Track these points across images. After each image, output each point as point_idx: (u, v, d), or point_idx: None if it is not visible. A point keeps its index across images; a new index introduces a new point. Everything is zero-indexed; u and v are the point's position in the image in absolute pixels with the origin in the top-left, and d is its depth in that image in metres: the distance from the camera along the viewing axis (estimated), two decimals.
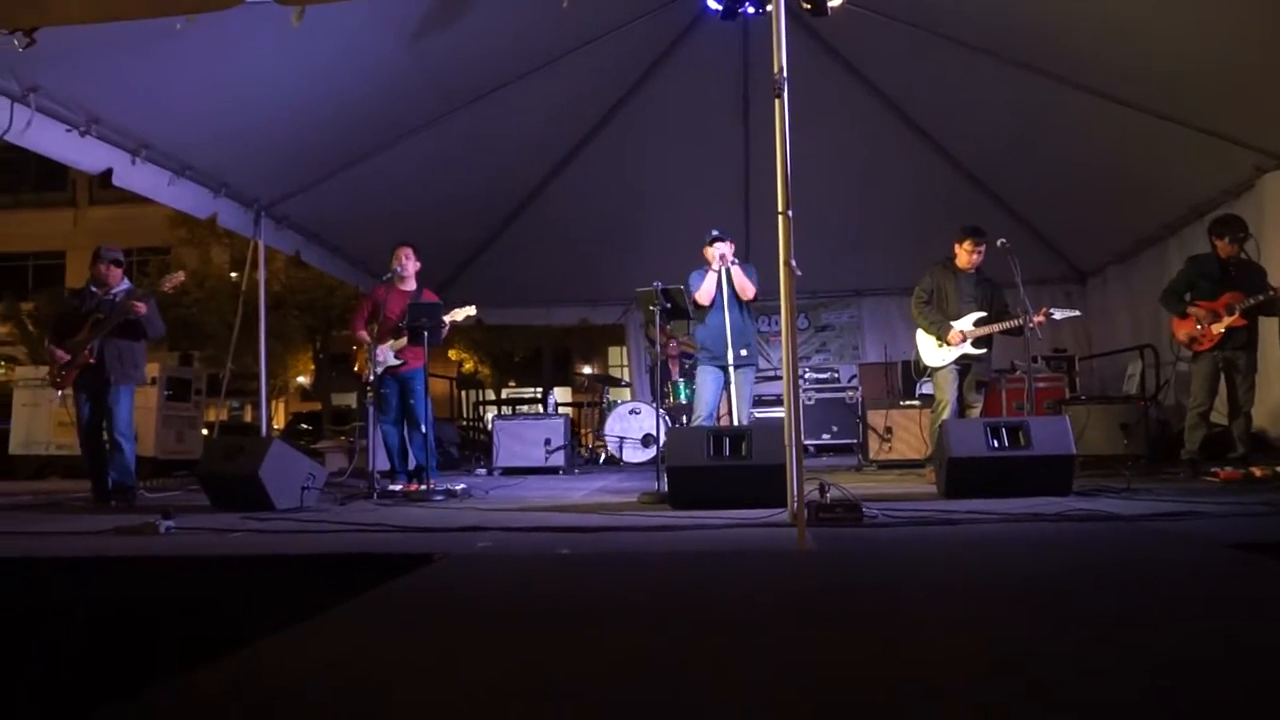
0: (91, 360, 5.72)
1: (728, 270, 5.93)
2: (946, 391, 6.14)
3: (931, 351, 6.23)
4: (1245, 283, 5.65)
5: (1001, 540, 3.39)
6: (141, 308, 5.75)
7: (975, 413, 6.12)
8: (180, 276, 6.01)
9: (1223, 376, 5.77)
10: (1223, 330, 5.63)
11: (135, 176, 6.23)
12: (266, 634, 2.03)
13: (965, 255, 6.16)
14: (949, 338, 6.08)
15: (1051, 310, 5.87)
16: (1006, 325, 5.98)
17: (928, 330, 6.23)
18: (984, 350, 6.10)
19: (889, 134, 8.78)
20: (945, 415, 5.98)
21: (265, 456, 4.88)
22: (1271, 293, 5.51)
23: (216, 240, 21.24)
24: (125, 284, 6.03)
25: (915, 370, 6.57)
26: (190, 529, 4.02)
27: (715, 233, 6.00)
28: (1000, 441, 4.69)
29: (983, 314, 6.09)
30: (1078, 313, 6.15)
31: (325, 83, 6.35)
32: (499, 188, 9.40)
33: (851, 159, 8.92)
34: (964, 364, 6.11)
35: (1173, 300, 5.94)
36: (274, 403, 25.50)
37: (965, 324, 6.08)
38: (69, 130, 5.59)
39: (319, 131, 6.90)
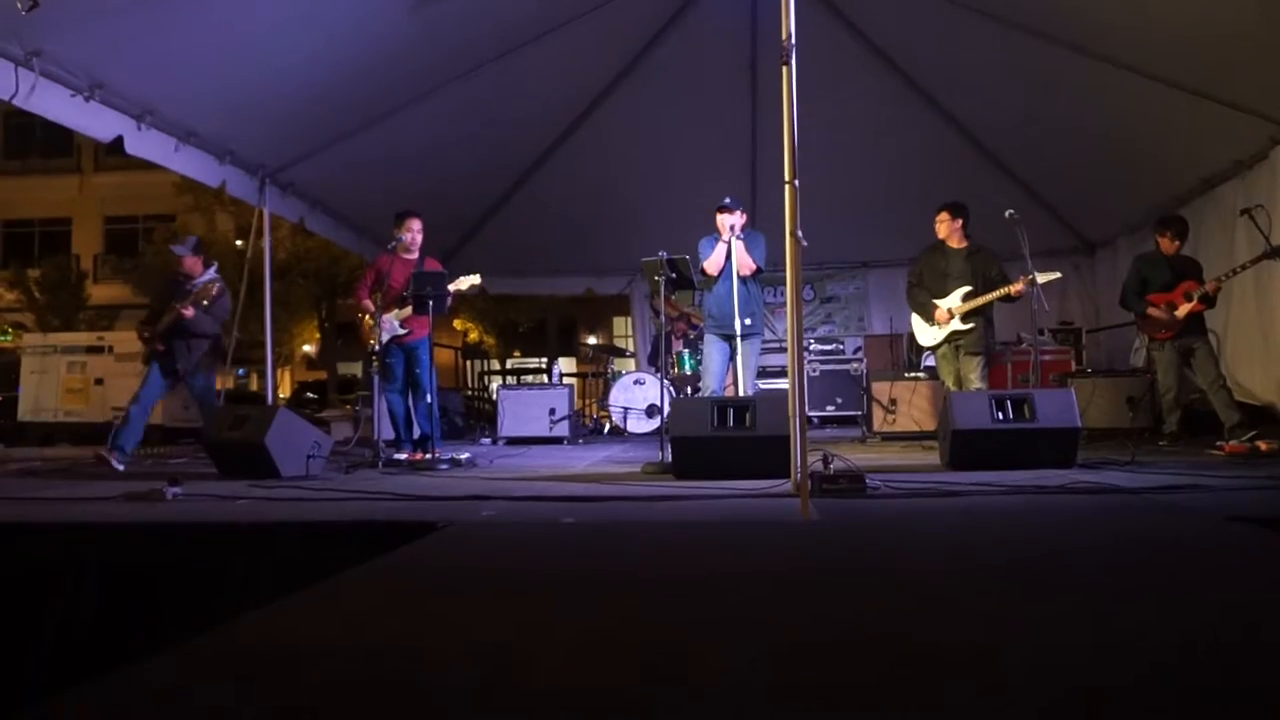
0: (160, 348, 6.16)
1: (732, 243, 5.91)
2: (946, 373, 6.37)
3: (924, 332, 6.42)
4: (1189, 275, 6.10)
5: (1005, 512, 3.39)
6: (189, 312, 6.01)
7: (973, 387, 6.12)
8: (213, 286, 6.17)
9: (1187, 369, 6.14)
10: (1184, 315, 5.98)
11: (141, 142, 6.20)
12: (270, 600, 2.05)
13: (941, 229, 6.33)
14: (936, 317, 6.24)
15: (1033, 276, 5.86)
16: (994, 295, 6.04)
17: (917, 313, 6.42)
18: (971, 325, 6.14)
19: (898, 103, 8.68)
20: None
21: (271, 425, 4.90)
22: (1223, 277, 5.98)
23: (222, 207, 21.22)
24: (207, 273, 6.35)
25: (914, 352, 6.71)
26: (197, 496, 4.05)
27: (728, 200, 5.95)
28: (1005, 414, 4.68)
29: (969, 289, 6.13)
30: (1058, 274, 6.16)
31: (330, 48, 6.29)
32: (504, 155, 9.34)
33: (860, 128, 8.84)
34: (956, 341, 6.20)
35: (1135, 300, 6.28)
36: (280, 371, 25.56)
37: (952, 300, 6.18)
38: (73, 95, 5.55)
39: (324, 98, 6.84)
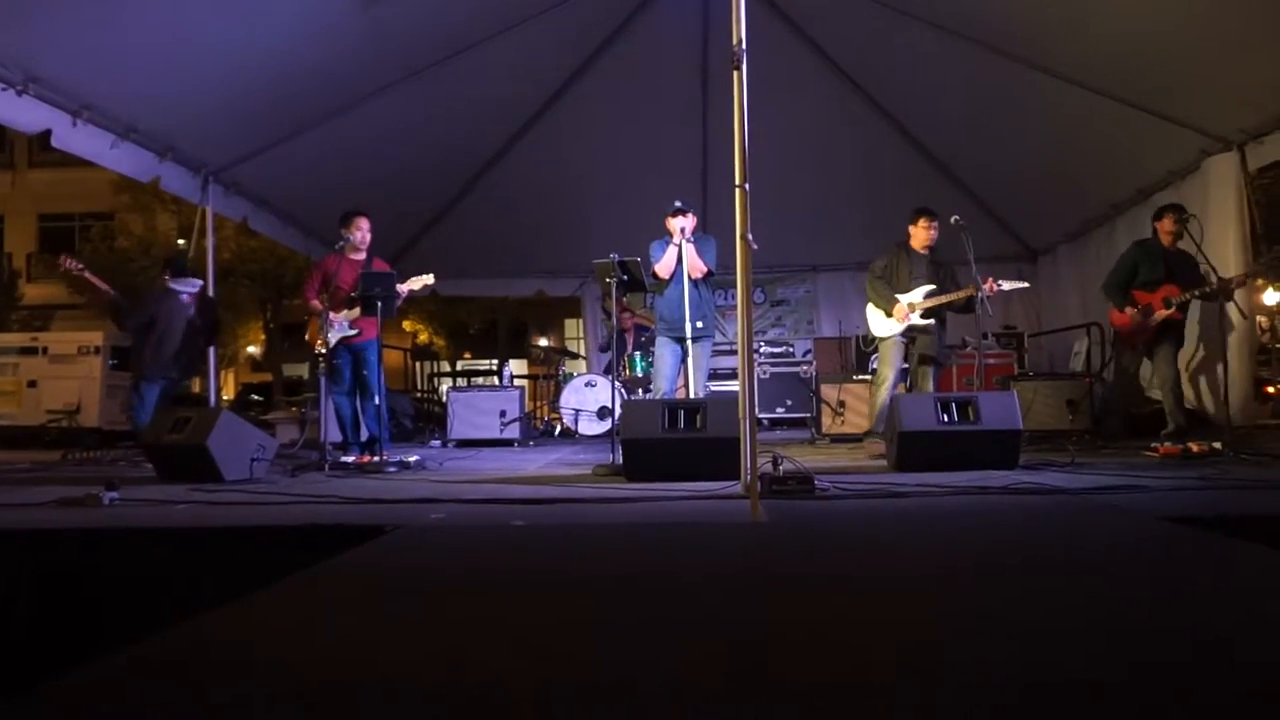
0: None
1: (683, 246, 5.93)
2: (889, 364, 6.34)
3: (880, 322, 6.42)
4: (1181, 274, 6.02)
5: (949, 513, 3.45)
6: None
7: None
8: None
9: (1149, 360, 6.17)
10: (1158, 323, 5.99)
11: (76, 139, 6.02)
12: (214, 607, 2.00)
13: (920, 234, 6.34)
14: (895, 313, 6.26)
15: (999, 282, 6.00)
16: (956, 296, 6.13)
17: (877, 304, 6.41)
18: (930, 321, 6.22)
19: (848, 109, 8.81)
20: (885, 388, 6.17)
21: (214, 427, 4.79)
22: (1207, 287, 5.84)
23: (163, 206, 20.68)
24: (174, 284, 6.84)
25: (864, 343, 6.69)
26: (136, 501, 3.94)
27: (678, 204, 5.98)
28: (950, 416, 4.77)
29: (933, 287, 6.23)
30: (1025, 284, 6.32)
31: (278, 46, 6.18)
32: (455, 157, 9.27)
33: (810, 134, 8.95)
34: (910, 336, 6.26)
35: (1116, 293, 6.24)
36: (223, 373, 24.98)
37: (915, 295, 6.23)
38: (5, 89, 5.38)
39: (271, 96, 6.72)
